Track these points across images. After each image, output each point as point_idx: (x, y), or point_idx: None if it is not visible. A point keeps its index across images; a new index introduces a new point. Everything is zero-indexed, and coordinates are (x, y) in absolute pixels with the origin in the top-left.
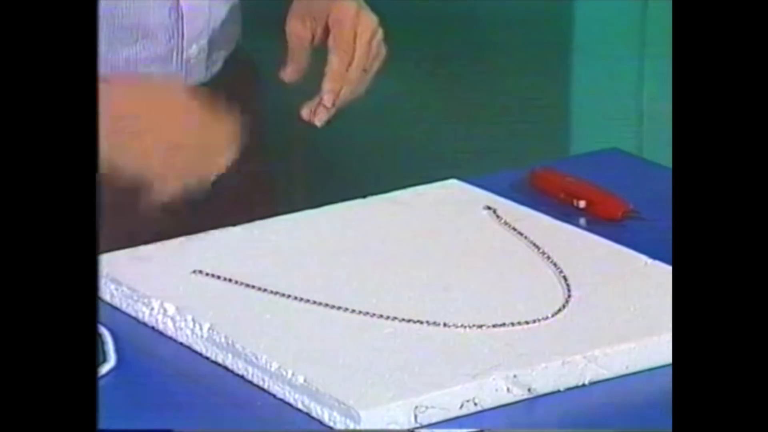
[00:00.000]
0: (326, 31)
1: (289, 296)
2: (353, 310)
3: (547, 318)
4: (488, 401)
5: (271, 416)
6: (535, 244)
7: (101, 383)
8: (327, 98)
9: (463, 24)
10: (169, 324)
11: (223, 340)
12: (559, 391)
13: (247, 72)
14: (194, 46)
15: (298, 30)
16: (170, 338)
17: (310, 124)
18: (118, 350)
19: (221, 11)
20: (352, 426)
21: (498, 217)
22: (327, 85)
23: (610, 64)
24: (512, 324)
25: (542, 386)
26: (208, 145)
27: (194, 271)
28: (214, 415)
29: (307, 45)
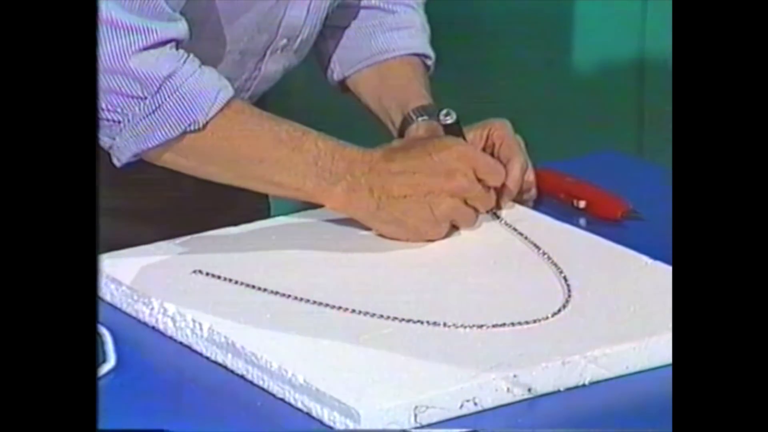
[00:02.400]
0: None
1: (289, 296)
2: (353, 310)
3: (547, 318)
4: (488, 401)
5: (271, 416)
6: (535, 244)
7: (101, 383)
8: (507, 201)
9: (465, 25)
10: (169, 324)
11: (223, 340)
12: (559, 391)
13: None
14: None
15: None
16: (170, 338)
17: None
18: (118, 350)
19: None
20: (352, 426)
21: (498, 217)
22: (508, 189)
23: (610, 64)
24: (512, 324)
25: (542, 386)
26: None
27: (194, 271)
28: (214, 415)
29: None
